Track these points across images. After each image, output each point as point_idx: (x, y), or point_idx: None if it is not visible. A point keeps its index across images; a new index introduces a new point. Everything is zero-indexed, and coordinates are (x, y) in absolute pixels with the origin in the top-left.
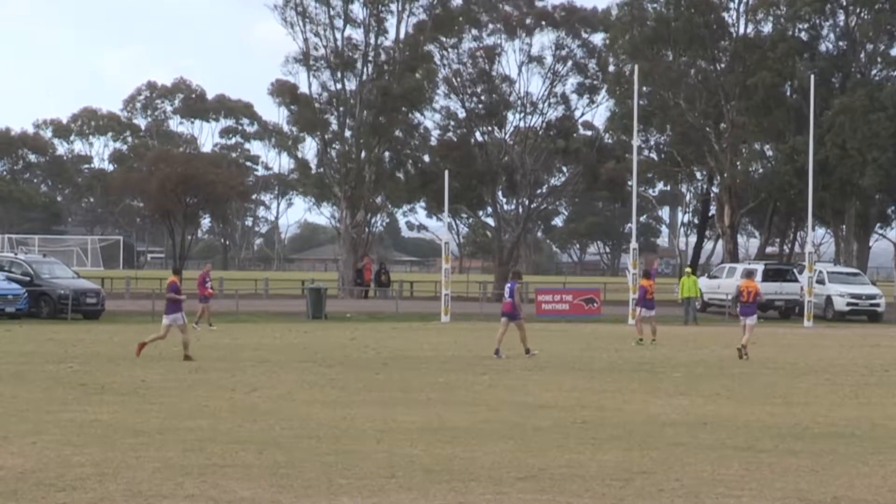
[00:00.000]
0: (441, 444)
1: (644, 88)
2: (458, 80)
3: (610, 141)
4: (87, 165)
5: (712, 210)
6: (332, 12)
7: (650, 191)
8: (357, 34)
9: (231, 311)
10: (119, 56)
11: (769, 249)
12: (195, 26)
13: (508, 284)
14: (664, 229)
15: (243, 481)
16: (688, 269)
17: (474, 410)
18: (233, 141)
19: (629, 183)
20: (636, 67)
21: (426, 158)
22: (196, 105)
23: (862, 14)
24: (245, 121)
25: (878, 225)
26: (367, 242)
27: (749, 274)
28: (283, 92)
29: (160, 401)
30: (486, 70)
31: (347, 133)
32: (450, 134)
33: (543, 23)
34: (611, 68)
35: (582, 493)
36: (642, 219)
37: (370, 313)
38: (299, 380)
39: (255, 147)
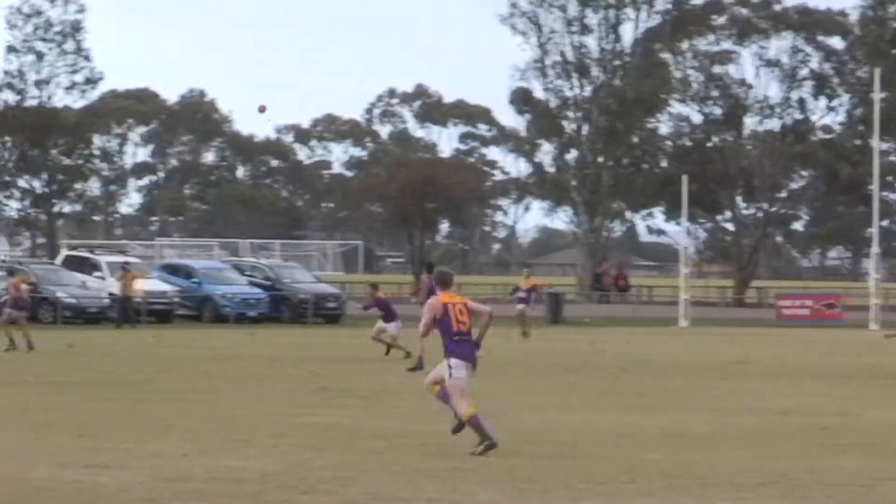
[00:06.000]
0: (680, 450)
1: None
2: (693, 84)
3: (855, 143)
4: (326, 171)
5: None
6: (567, 18)
7: (893, 196)
8: (591, 40)
9: None
10: (359, 63)
11: None
12: (435, 33)
13: None
14: None
15: (484, 485)
16: None
17: (714, 416)
18: (470, 146)
19: (870, 187)
20: (877, 70)
21: (663, 164)
22: (434, 110)
23: None
24: (483, 126)
25: None
26: (604, 247)
27: None
28: (519, 98)
29: (400, 404)
30: (720, 74)
31: (584, 137)
32: (686, 139)
33: (780, 26)
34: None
35: (824, 498)
36: (884, 223)
37: (609, 318)
38: (537, 385)
39: (493, 152)
